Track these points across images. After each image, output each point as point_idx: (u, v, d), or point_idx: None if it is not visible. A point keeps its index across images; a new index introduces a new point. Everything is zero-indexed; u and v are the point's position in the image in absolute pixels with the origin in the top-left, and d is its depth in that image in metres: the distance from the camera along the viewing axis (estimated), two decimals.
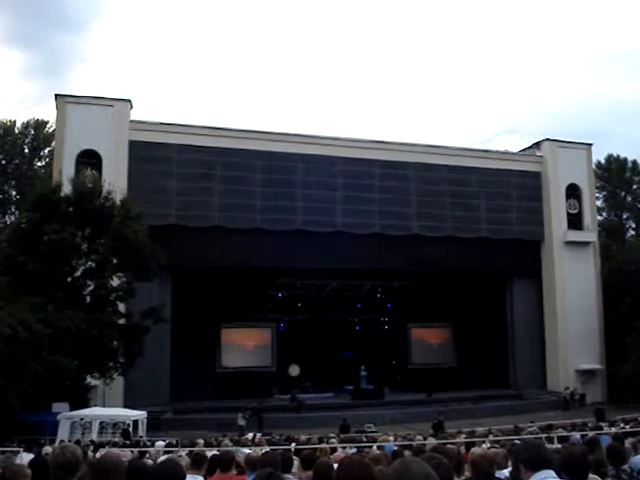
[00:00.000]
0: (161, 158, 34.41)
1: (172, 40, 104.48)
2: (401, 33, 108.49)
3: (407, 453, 8.89)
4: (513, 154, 44.13)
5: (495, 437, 15.87)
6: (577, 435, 14.40)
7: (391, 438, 16.49)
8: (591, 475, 5.32)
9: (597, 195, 51.98)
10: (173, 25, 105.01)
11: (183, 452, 11.02)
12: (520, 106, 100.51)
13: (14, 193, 51.37)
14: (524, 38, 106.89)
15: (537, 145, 43.11)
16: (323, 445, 11.49)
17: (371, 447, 13.47)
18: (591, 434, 13.28)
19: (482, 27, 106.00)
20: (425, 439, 15.19)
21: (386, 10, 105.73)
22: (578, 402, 37.14)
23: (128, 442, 17.37)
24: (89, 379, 26.77)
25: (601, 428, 16.64)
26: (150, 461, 10.16)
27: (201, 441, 15.82)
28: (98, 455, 14.37)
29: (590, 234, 42.02)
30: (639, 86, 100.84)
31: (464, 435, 16.69)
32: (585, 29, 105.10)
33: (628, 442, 11.28)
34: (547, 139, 42.71)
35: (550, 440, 14.33)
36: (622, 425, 17.97)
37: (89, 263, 26.86)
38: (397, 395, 37.82)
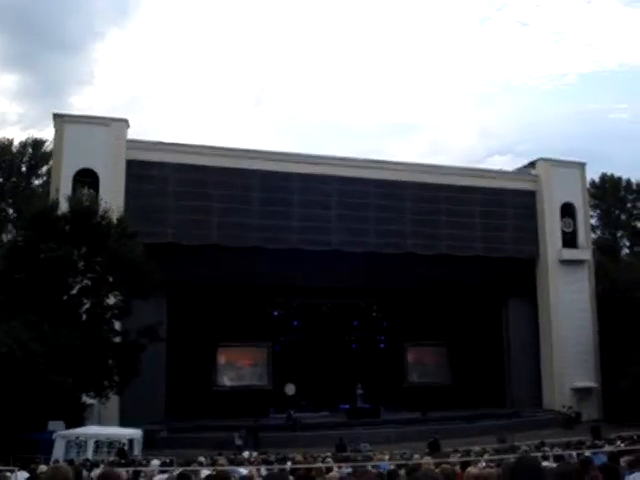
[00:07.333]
0: (158, 177, 34.57)
1: (168, 60, 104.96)
2: (388, 49, 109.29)
3: (402, 472, 8.92)
4: (508, 173, 44.46)
5: (491, 456, 15.82)
6: (573, 454, 14.39)
7: (386, 457, 16.47)
8: None
9: (591, 214, 52.27)
10: (168, 46, 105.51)
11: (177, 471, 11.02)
12: (511, 127, 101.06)
13: (11, 211, 51.35)
14: (516, 59, 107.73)
15: (532, 164, 43.32)
16: (318, 464, 11.50)
17: (366, 466, 13.46)
18: (587, 452, 13.28)
19: (473, 48, 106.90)
20: (421, 458, 15.16)
21: (372, 27, 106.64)
22: (574, 420, 37.10)
23: (123, 461, 17.29)
24: (85, 398, 26.68)
25: (597, 446, 16.62)
26: None
27: (202, 459, 15.77)
28: (94, 474, 14.37)
29: (585, 252, 42.18)
30: (632, 106, 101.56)
31: (459, 454, 16.64)
32: (577, 50, 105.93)
33: (624, 460, 11.30)
34: (541, 158, 42.91)
35: (545, 458, 14.32)
36: (618, 443, 17.95)
37: (85, 281, 26.83)
38: (393, 414, 37.66)
